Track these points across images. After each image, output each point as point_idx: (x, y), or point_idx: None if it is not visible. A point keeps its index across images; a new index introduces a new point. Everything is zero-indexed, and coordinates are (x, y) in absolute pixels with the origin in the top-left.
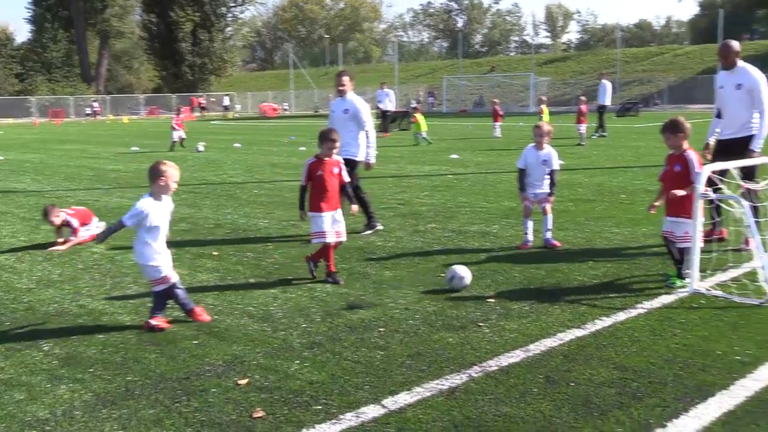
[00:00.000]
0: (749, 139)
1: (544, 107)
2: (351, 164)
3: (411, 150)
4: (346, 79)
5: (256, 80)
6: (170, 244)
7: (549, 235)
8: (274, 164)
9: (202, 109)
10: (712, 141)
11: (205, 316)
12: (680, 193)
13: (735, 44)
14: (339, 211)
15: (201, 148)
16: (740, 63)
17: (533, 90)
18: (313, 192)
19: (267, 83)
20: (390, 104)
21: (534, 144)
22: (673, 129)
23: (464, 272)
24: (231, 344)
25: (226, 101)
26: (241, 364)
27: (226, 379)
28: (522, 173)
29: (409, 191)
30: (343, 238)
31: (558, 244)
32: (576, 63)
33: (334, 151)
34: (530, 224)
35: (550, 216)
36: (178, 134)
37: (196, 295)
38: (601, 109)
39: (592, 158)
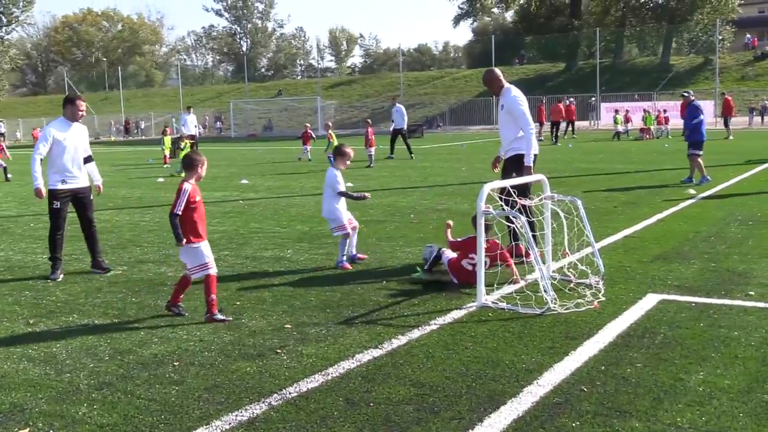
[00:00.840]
0: (516, 157)
1: (331, 132)
2: (86, 193)
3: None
4: (85, 103)
5: (27, 106)
6: None
7: (354, 251)
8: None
9: None
10: (502, 155)
11: None
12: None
13: (495, 71)
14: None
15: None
16: (506, 85)
17: (321, 113)
18: (192, 220)
19: (40, 109)
20: (195, 129)
21: (335, 166)
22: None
23: None
24: (9, 392)
25: (2, 128)
26: (22, 413)
27: (5, 430)
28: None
29: None
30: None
31: (364, 256)
32: (361, 86)
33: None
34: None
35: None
36: None
37: None
38: (398, 132)
39: (381, 179)
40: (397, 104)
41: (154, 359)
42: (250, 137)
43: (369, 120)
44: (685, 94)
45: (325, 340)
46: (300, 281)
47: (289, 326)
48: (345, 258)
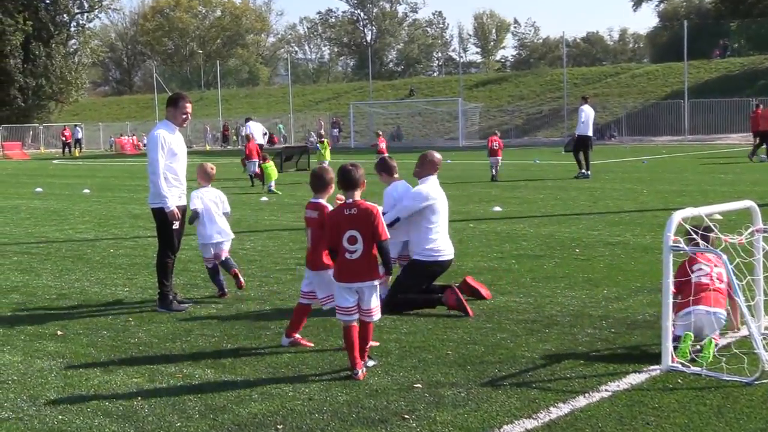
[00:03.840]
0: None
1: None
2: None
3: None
4: (190, 105)
5: (110, 107)
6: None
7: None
8: (135, 215)
9: (66, 144)
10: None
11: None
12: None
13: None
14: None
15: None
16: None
17: (462, 119)
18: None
19: (124, 111)
20: (263, 137)
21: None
22: None
23: None
24: None
25: (79, 133)
26: None
27: None
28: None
29: None
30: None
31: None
32: (514, 85)
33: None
34: None
35: None
36: None
37: (35, 388)
38: (584, 142)
39: (539, 203)
40: (585, 105)
41: (254, 420)
42: (374, 148)
43: (380, 132)
44: None
45: (464, 405)
46: (434, 330)
47: (420, 386)
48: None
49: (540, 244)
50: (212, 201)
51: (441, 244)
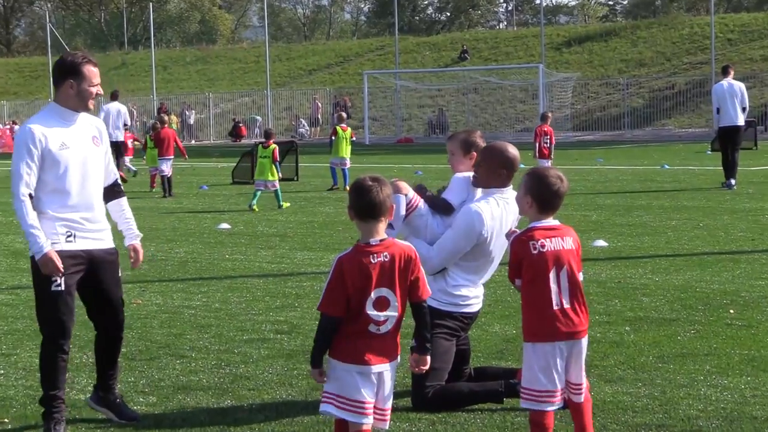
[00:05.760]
0: None
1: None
2: (109, 261)
3: (304, 221)
4: (98, 70)
5: None
6: None
7: None
8: (15, 253)
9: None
10: None
11: None
12: None
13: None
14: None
15: None
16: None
17: (545, 97)
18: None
19: None
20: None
21: None
22: None
23: None
24: None
25: None
26: None
27: None
28: None
29: (303, 305)
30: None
31: None
32: (629, 44)
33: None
34: None
35: None
36: None
37: None
38: (731, 136)
39: (668, 235)
40: (729, 79)
41: None
42: (402, 144)
43: (549, 114)
44: None
45: None
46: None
47: None
48: None
49: (670, 300)
50: None
51: (472, 290)
